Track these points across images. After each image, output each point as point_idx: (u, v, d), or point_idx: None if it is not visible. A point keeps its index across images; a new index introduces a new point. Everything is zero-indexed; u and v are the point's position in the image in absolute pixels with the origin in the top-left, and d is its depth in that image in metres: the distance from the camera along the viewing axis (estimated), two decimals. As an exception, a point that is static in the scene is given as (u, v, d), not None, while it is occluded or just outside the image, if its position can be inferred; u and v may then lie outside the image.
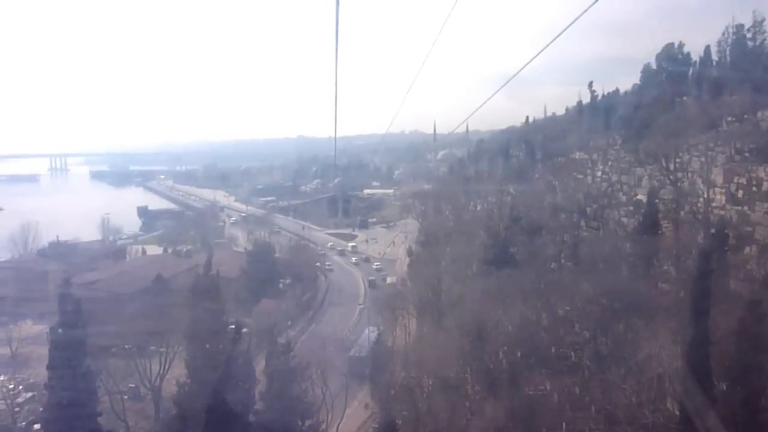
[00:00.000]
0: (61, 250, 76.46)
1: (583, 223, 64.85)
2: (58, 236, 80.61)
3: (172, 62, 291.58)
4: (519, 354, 41.80)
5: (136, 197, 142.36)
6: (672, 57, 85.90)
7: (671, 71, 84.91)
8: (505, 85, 15.59)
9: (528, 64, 11.84)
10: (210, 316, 43.44)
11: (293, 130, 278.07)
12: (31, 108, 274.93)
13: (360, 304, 69.19)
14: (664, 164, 67.83)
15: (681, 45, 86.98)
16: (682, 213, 56.14)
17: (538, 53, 11.03)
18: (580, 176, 78.08)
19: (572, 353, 42.69)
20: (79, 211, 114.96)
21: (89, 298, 60.26)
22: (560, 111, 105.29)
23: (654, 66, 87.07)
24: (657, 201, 50.32)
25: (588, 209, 68.31)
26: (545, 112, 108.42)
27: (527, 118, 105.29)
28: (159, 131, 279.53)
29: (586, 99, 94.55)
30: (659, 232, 49.03)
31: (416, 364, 44.23)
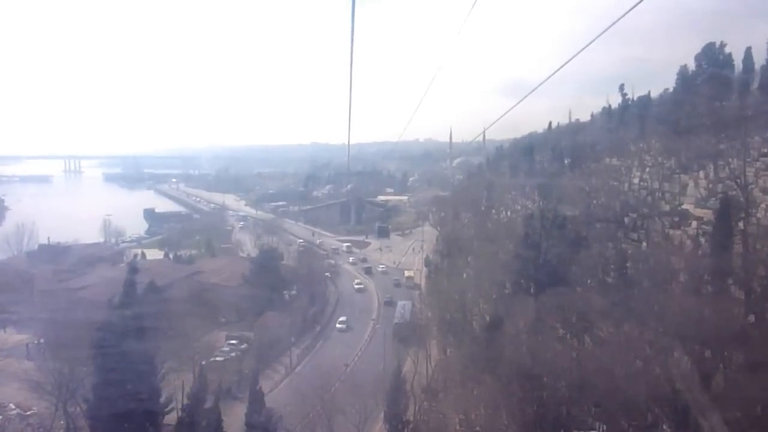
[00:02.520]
0: (52, 253, 68.96)
1: (621, 235, 56.38)
2: (49, 238, 73.16)
3: (189, 67, 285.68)
4: (567, 392, 33.38)
5: (146, 200, 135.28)
6: (713, 58, 77.28)
7: (712, 73, 76.27)
8: (530, 93, 13.83)
9: (555, 73, 10.04)
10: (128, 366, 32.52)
11: (307, 136, 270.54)
12: (47, 110, 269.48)
13: (373, 319, 60.63)
14: (713, 171, 59.39)
15: (722, 45, 78.40)
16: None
17: (566, 62, 9.28)
18: (615, 183, 69.49)
19: (631, 391, 34.23)
20: (86, 213, 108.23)
21: (71, 306, 52.90)
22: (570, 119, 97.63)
23: (693, 68, 78.53)
24: (729, 211, 41.40)
25: (626, 219, 59.92)
26: (570, 117, 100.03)
27: (550, 123, 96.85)
28: (174, 135, 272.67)
29: (614, 104, 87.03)
30: (730, 246, 40.30)
31: (440, 403, 35.68)
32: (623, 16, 8.98)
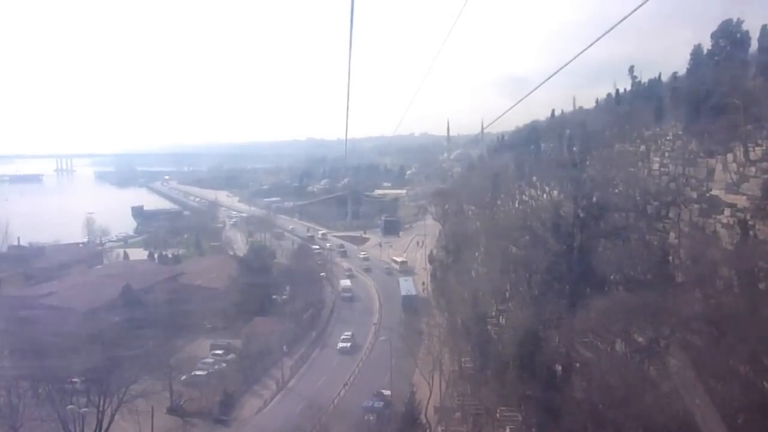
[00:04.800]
0: (23, 254, 60.83)
1: (643, 224, 49.01)
2: (19, 238, 65.01)
3: (183, 65, 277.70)
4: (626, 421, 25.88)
5: (138, 198, 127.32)
6: (730, 36, 69.90)
7: (729, 51, 68.91)
8: (535, 90, 11.25)
9: (561, 69, 9.89)
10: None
11: (302, 132, 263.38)
12: (39, 109, 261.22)
13: (375, 323, 52.78)
14: (743, 153, 52.05)
15: (739, 22, 70.99)
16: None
17: (577, 55, 8.95)
18: (632, 169, 62.17)
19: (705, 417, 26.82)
20: (73, 212, 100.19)
21: (33, 316, 44.96)
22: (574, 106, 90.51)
23: (708, 47, 71.09)
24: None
25: (648, 207, 52.54)
26: (574, 104, 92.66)
27: (553, 111, 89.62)
28: (168, 133, 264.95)
29: (619, 91, 79.84)
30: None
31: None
32: (634, 11, 7.22)
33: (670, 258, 40.21)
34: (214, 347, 47.53)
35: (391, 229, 55.71)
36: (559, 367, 26.80)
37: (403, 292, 58.71)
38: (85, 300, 47.32)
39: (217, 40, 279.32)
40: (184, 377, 41.88)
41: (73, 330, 40.65)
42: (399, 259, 72.31)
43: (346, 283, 60.05)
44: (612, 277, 36.19)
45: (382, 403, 34.05)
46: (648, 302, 30.58)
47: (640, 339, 31.10)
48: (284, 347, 45.35)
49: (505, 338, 33.84)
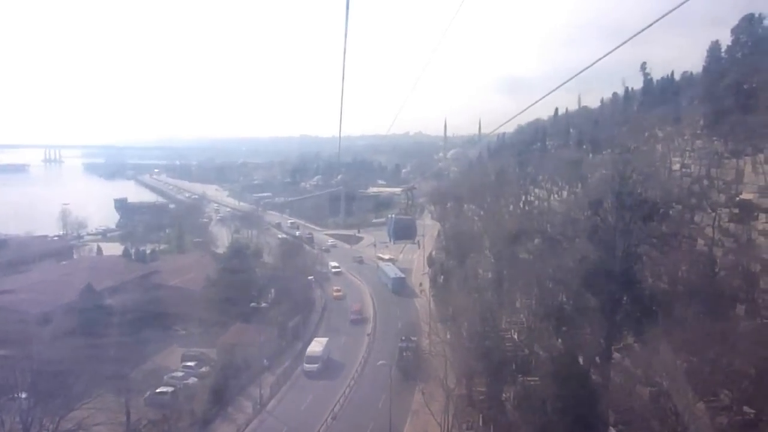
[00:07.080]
0: (-20, 247, 53.60)
1: (665, 229, 42.72)
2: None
3: (178, 58, 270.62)
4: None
5: (124, 190, 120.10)
6: (752, 31, 63.90)
7: (751, 47, 62.90)
8: (551, 93, 10.73)
9: (578, 74, 9.40)
10: None
11: (297, 129, 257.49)
12: (29, 98, 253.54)
13: (368, 334, 45.95)
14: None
15: (761, 17, 65.08)
16: None
17: (593, 63, 8.45)
18: (650, 170, 55.95)
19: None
20: (54, 203, 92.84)
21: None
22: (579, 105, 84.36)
23: (728, 43, 65.07)
24: None
25: (671, 212, 46.25)
26: (579, 102, 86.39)
27: (556, 110, 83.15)
28: (161, 126, 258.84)
29: (630, 87, 73.74)
30: None
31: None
32: (655, 22, 7.13)
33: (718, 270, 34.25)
34: (185, 358, 40.64)
35: (404, 232, 38.01)
36: (615, 415, 20.28)
37: (392, 275, 58.72)
38: (43, 302, 40.25)
39: (213, 35, 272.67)
40: (147, 394, 35.09)
41: (20, 337, 33.72)
42: (386, 257, 66.71)
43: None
44: (657, 291, 29.92)
45: (414, 344, 39.11)
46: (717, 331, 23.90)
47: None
48: (265, 361, 38.51)
49: (528, 361, 27.33)
